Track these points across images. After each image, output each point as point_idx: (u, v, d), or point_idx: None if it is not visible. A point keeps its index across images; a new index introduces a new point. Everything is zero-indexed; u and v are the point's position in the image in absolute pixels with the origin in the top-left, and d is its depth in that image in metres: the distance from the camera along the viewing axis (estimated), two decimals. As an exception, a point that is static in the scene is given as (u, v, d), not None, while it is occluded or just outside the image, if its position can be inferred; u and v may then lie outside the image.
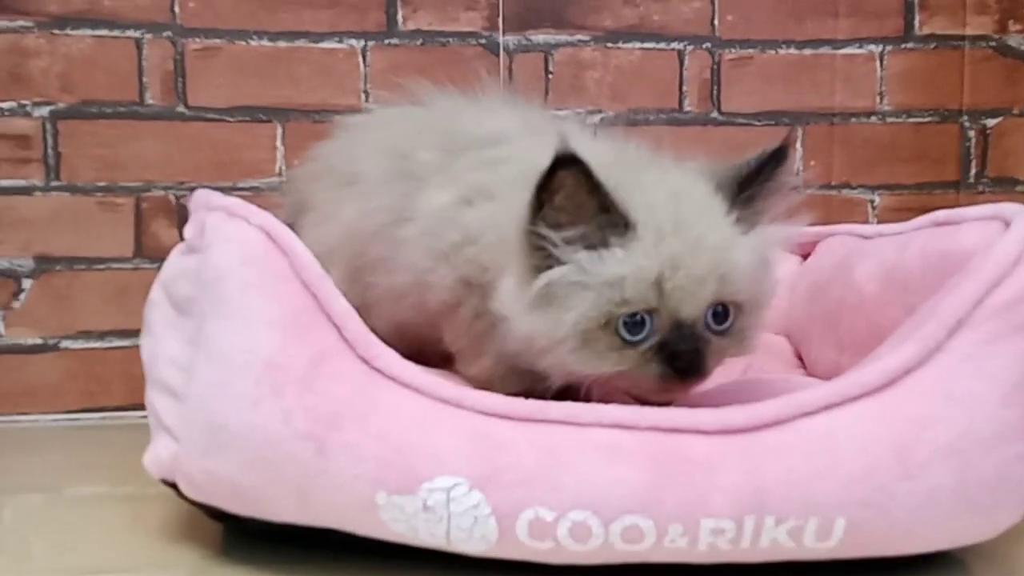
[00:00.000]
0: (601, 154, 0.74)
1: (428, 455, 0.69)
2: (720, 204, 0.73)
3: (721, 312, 0.73)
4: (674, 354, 0.71)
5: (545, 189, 0.69)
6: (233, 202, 0.78)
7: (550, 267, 0.71)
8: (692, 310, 0.71)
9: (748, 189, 0.73)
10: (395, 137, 0.93)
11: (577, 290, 0.70)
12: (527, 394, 0.73)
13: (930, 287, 0.80)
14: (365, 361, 0.74)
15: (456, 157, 0.85)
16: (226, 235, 0.76)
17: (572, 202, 0.69)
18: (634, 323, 0.71)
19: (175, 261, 0.83)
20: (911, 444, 0.67)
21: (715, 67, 1.43)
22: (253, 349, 0.73)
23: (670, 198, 0.72)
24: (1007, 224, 0.76)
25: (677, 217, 0.70)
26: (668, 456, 0.68)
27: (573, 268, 0.70)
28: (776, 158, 0.73)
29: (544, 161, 0.69)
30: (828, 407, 0.69)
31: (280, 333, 0.73)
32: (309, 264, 0.76)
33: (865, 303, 0.91)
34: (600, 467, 0.68)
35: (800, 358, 1.10)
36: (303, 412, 0.71)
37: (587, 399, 0.81)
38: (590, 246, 0.70)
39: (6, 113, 1.32)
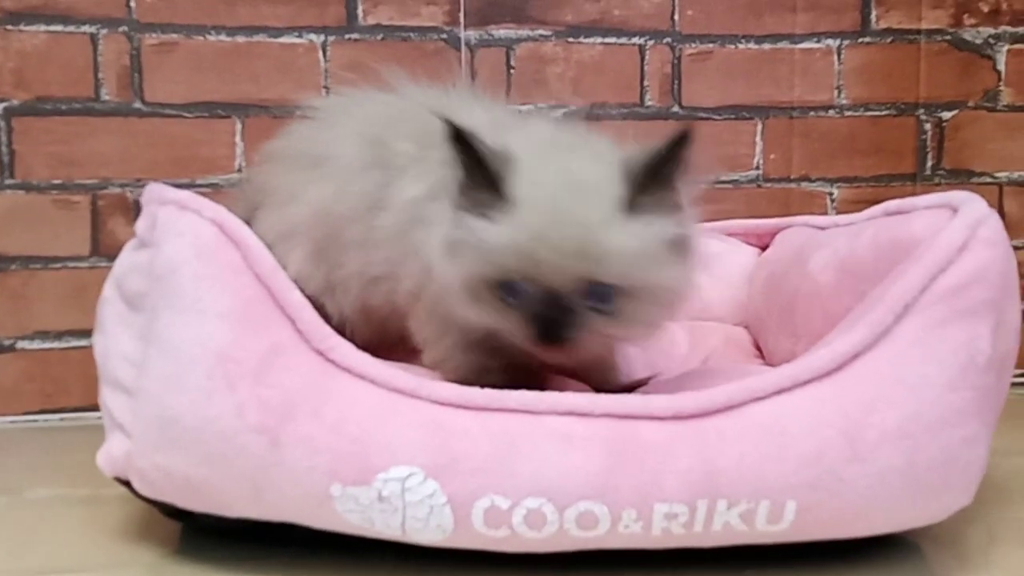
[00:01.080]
0: (517, 135, 0.80)
1: (383, 446, 0.69)
2: (614, 187, 0.74)
3: (601, 292, 0.74)
4: (540, 320, 0.74)
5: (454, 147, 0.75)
6: (185, 195, 0.77)
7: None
8: (560, 283, 0.74)
9: (650, 176, 0.74)
10: (370, 123, 0.94)
11: (467, 249, 0.75)
12: (486, 373, 0.78)
13: (881, 274, 0.81)
14: (320, 353, 0.74)
15: (431, 150, 0.86)
16: (178, 228, 0.75)
17: (463, 171, 0.76)
18: (510, 288, 0.75)
19: (127, 256, 0.82)
20: (860, 427, 0.68)
21: (675, 61, 1.44)
22: (205, 342, 0.72)
23: (556, 175, 0.76)
24: (954, 211, 0.77)
25: (556, 195, 0.74)
26: (622, 442, 0.68)
27: (464, 229, 0.75)
28: (677, 146, 0.73)
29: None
30: (779, 391, 0.70)
31: (233, 325, 0.73)
32: (262, 256, 0.76)
33: (820, 292, 0.92)
34: (555, 454, 0.68)
35: (759, 348, 1.10)
36: (256, 405, 0.71)
37: (542, 380, 0.84)
38: (477, 212, 0.75)
39: (-42, 110, 1.30)
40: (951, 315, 0.71)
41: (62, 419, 1.35)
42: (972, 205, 0.76)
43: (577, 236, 0.72)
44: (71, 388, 1.35)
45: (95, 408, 1.31)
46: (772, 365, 1.02)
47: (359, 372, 0.73)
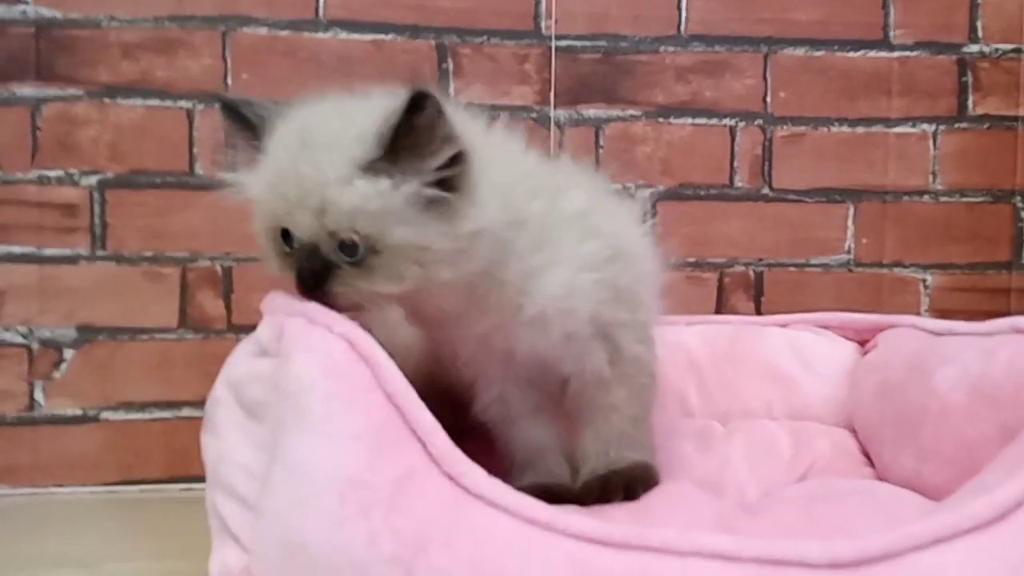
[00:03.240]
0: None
1: (521, 583, 0.67)
2: (355, 146, 0.77)
3: (349, 245, 0.78)
4: (299, 268, 0.79)
5: None
6: (314, 308, 0.76)
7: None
8: (310, 235, 0.78)
9: (392, 138, 0.76)
10: None
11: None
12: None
13: (1023, 405, 0.78)
14: (451, 478, 0.72)
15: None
16: (308, 344, 0.74)
17: (232, 130, 0.84)
18: (279, 237, 0.81)
19: (245, 362, 0.81)
20: (1026, 583, 0.65)
21: (767, 143, 1.42)
22: (337, 465, 0.70)
23: (298, 134, 0.79)
24: (1108, 344, 0.74)
25: (294, 153, 0.78)
26: (772, 590, 0.65)
27: (242, 186, 0.82)
28: (410, 111, 0.74)
29: None
30: (938, 540, 0.66)
31: (366, 448, 0.71)
32: (392, 375, 0.74)
33: (950, 414, 0.88)
34: (702, 601, 0.65)
35: (866, 455, 1.07)
36: (390, 534, 0.68)
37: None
38: (247, 168, 0.82)
39: (54, 182, 1.31)
40: (1117, 463, 0.67)
41: (142, 491, 1.35)
42: None
43: (308, 191, 0.77)
44: (152, 460, 1.35)
45: (175, 480, 1.33)
46: (886, 479, 0.98)
47: (491, 500, 0.71)
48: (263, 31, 1.33)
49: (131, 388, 1.34)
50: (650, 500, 0.85)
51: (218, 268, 1.35)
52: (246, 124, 0.83)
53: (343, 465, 0.70)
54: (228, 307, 1.34)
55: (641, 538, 0.68)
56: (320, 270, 0.78)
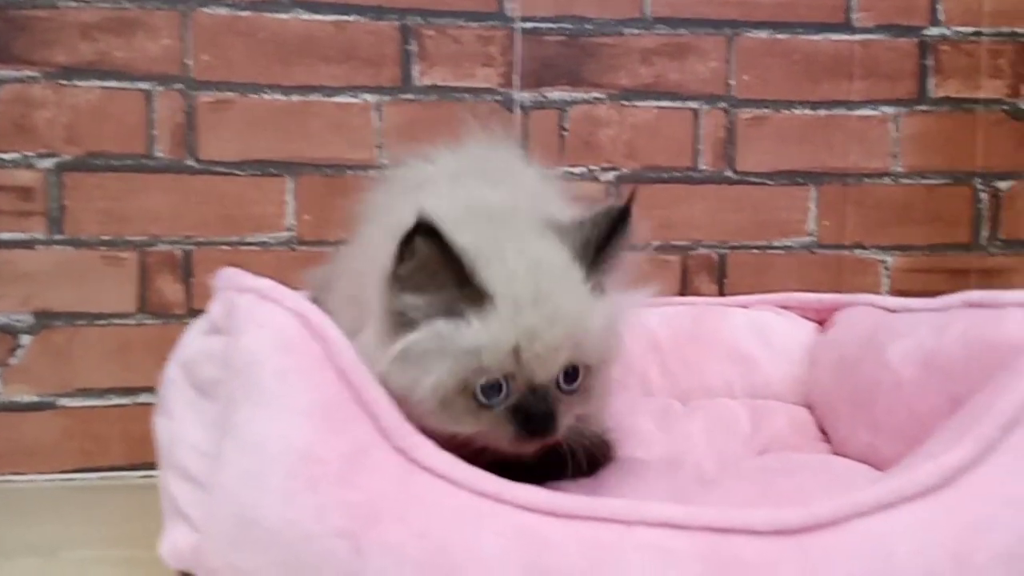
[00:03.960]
0: (462, 213, 0.76)
1: (471, 554, 0.66)
2: (576, 271, 0.74)
3: (572, 373, 0.74)
4: (528, 416, 0.73)
5: (405, 254, 0.71)
6: (265, 284, 0.75)
7: (408, 328, 0.73)
8: (546, 375, 0.73)
9: (600, 253, 0.75)
10: (389, 195, 0.94)
11: (435, 356, 0.72)
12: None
13: (973, 377, 0.79)
14: (402, 452, 0.71)
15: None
16: (259, 320, 0.73)
17: (429, 270, 0.71)
18: (490, 388, 0.72)
19: (196, 340, 0.80)
20: (969, 549, 0.65)
21: (730, 126, 1.43)
22: (287, 439, 0.70)
23: (529, 268, 0.73)
24: (1055, 315, 0.75)
25: (535, 288, 0.72)
26: (721, 558, 0.65)
27: (431, 335, 0.72)
28: (622, 219, 0.74)
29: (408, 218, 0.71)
30: (884, 507, 0.67)
31: (317, 423, 0.70)
32: (344, 350, 0.73)
33: (902, 387, 0.89)
34: (649, 570, 0.65)
35: (823, 431, 1.08)
36: (340, 508, 0.68)
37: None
38: (448, 314, 0.72)
39: (9, 164, 1.29)
40: (1061, 429, 0.68)
41: (101, 478, 1.33)
42: (1076, 311, 0.73)
43: (565, 328, 0.72)
44: (112, 447, 1.33)
45: (135, 467, 1.32)
46: (843, 454, 0.99)
47: (441, 472, 0.70)
48: (223, 11, 1.32)
49: (89, 374, 1.33)
50: (604, 474, 0.85)
51: (178, 252, 1.33)
52: (454, 261, 0.70)
53: (293, 440, 0.70)
54: (188, 291, 1.33)
55: (589, 508, 0.68)
56: (547, 409, 0.73)
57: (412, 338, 0.72)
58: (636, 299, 0.79)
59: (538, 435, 0.73)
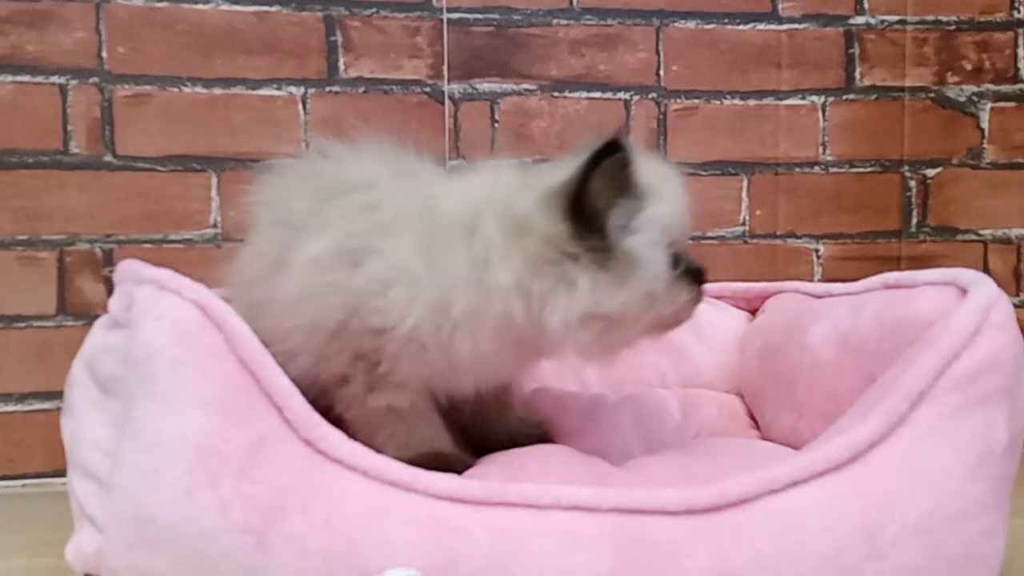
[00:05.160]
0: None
1: (378, 546, 0.65)
2: None
3: None
4: (699, 271, 0.85)
5: (592, 182, 0.78)
6: (164, 275, 0.73)
7: (616, 246, 0.80)
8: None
9: None
10: (277, 187, 0.95)
11: (648, 249, 0.80)
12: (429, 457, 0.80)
13: (887, 355, 0.79)
14: (308, 443, 0.70)
15: (326, 204, 0.87)
16: (157, 311, 0.71)
17: (621, 184, 0.79)
18: (678, 257, 0.83)
19: (99, 336, 0.77)
20: (879, 523, 0.65)
21: (661, 117, 1.43)
22: (185, 434, 0.68)
23: (646, 160, 0.84)
24: (962, 291, 0.76)
25: (662, 171, 0.86)
26: (632, 540, 0.65)
27: (643, 231, 0.81)
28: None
29: (422, 201, 0.84)
30: (794, 483, 0.67)
31: (216, 415, 0.68)
32: (247, 340, 0.71)
33: (821, 369, 0.89)
34: (560, 555, 0.64)
35: (753, 418, 1.08)
36: (241, 502, 0.66)
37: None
38: (640, 211, 0.81)
39: (-82, 162, 1.25)
40: (966, 403, 0.69)
41: (24, 485, 1.29)
42: (982, 286, 0.74)
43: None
44: (34, 453, 1.29)
45: (60, 474, 1.27)
46: (770, 439, 0.99)
47: (350, 463, 0.69)
48: (139, 2, 1.28)
49: (9, 379, 1.28)
50: (526, 461, 0.84)
51: (98, 251, 1.29)
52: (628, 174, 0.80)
53: (191, 433, 0.68)
54: (109, 291, 1.28)
55: (501, 494, 0.67)
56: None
57: (635, 242, 0.80)
58: None
59: (703, 284, 0.85)
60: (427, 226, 0.83)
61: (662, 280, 0.81)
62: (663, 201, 0.82)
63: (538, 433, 0.98)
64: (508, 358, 0.85)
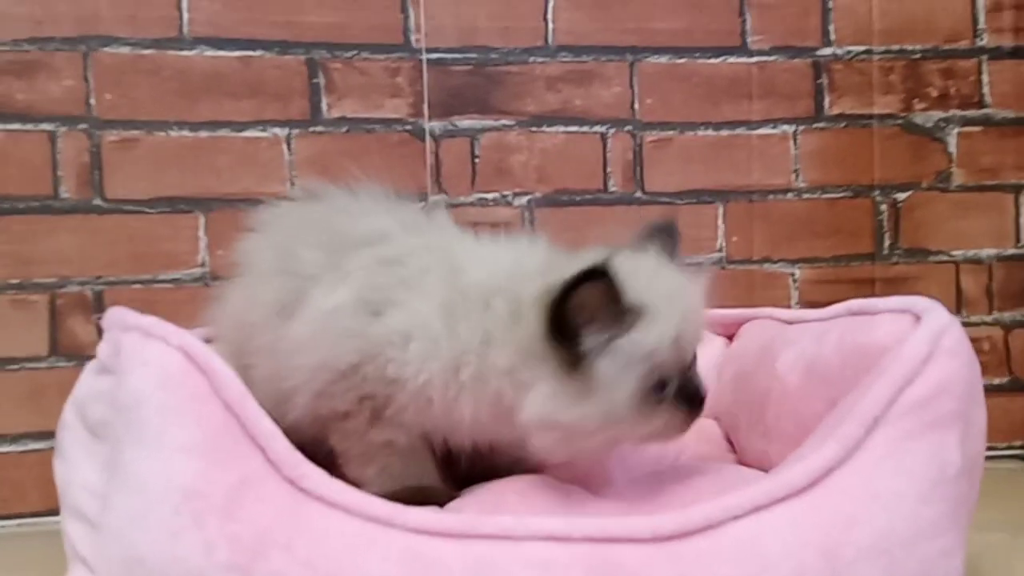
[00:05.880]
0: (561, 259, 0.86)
1: (358, 580, 0.67)
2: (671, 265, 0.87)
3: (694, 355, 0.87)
4: (692, 396, 0.84)
5: (571, 300, 0.77)
6: (149, 322, 0.76)
7: (585, 360, 0.79)
8: (690, 356, 0.85)
9: (670, 251, 0.89)
10: (279, 233, 0.97)
11: (621, 372, 0.79)
12: (412, 491, 0.83)
13: (849, 381, 0.82)
14: (291, 482, 0.72)
15: (340, 255, 0.89)
16: (143, 358, 0.73)
17: (602, 308, 0.78)
18: (662, 383, 0.81)
19: (88, 381, 0.80)
20: (838, 545, 0.68)
21: (637, 148, 1.47)
22: (171, 477, 0.70)
23: (654, 272, 0.84)
24: (917, 318, 0.79)
25: (668, 285, 0.84)
26: (603, 568, 0.67)
27: (614, 356, 0.79)
28: (672, 230, 0.91)
29: (447, 262, 0.86)
30: (756, 509, 0.69)
31: (200, 458, 0.71)
32: (230, 383, 0.74)
33: (789, 395, 0.92)
34: (534, 584, 0.67)
35: (731, 442, 1.10)
36: (226, 541, 0.68)
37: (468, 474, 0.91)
38: (623, 334, 0.79)
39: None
40: (919, 427, 0.72)
41: (19, 525, 1.31)
42: (934, 313, 0.77)
43: (698, 307, 0.86)
44: (28, 493, 1.31)
45: (54, 513, 1.28)
46: (745, 463, 1.02)
47: (331, 500, 0.71)
48: (126, 50, 1.32)
49: (3, 419, 1.31)
50: (505, 492, 0.86)
51: (88, 292, 1.32)
52: (619, 293, 0.79)
53: (176, 476, 0.70)
54: (100, 332, 1.31)
55: (477, 527, 0.69)
56: (700, 386, 0.85)
57: (603, 364, 0.79)
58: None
59: (700, 408, 0.85)
60: (450, 290, 0.85)
61: (625, 404, 0.79)
62: (654, 325, 0.80)
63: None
64: (505, 429, 0.85)
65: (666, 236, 0.90)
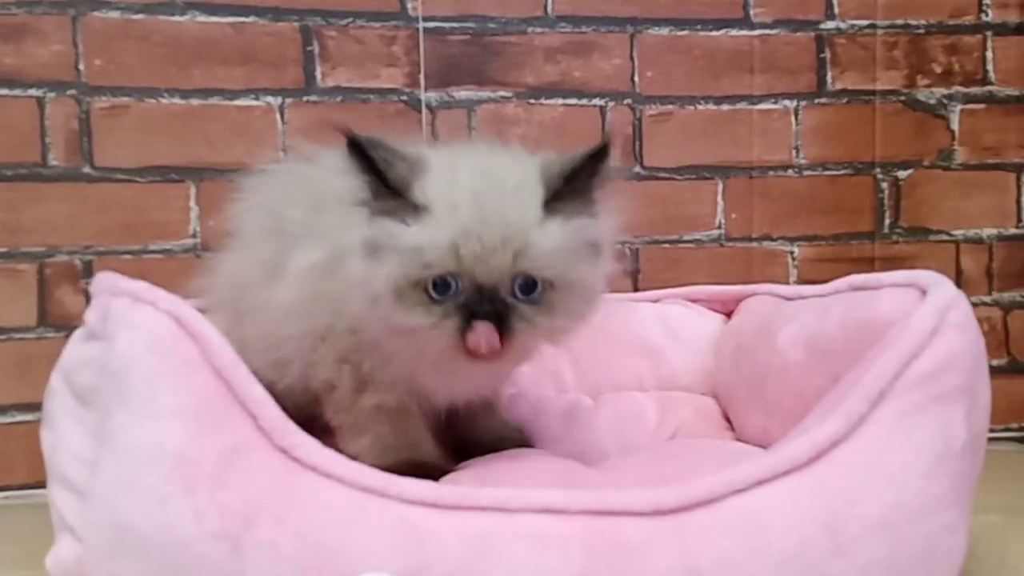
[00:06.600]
0: (443, 148, 0.86)
1: (350, 551, 0.66)
2: (536, 190, 0.80)
3: (528, 284, 0.79)
4: (473, 312, 0.77)
5: (355, 167, 0.78)
6: (139, 286, 0.74)
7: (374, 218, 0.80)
8: (488, 276, 0.78)
9: (571, 182, 0.80)
10: (269, 194, 0.98)
11: (388, 252, 0.79)
12: (409, 465, 0.81)
13: (852, 356, 0.81)
14: (283, 451, 0.71)
15: (319, 214, 0.89)
16: (132, 322, 0.72)
17: (368, 182, 0.79)
18: (441, 284, 0.78)
19: (76, 348, 0.78)
20: (842, 519, 0.67)
21: (636, 122, 1.45)
22: (161, 443, 0.69)
23: (475, 178, 0.80)
24: (923, 292, 0.77)
25: (476, 195, 0.78)
26: (601, 541, 0.66)
27: (383, 233, 0.79)
28: (599, 155, 0.81)
29: None
30: (759, 483, 0.68)
31: (190, 424, 0.69)
32: (221, 350, 0.72)
33: (789, 370, 0.91)
34: (530, 556, 0.65)
35: (728, 419, 1.09)
36: (216, 509, 0.67)
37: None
38: (393, 218, 0.79)
39: None
40: (926, 401, 0.70)
41: (7, 497, 1.29)
42: (941, 288, 0.76)
43: (502, 231, 0.77)
44: (17, 465, 1.29)
45: (42, 485, 1.26)
46: (743, 440, 1.01)
47: (324, 470, 0.70)
48: (116, 15, 1.29)
49: (-10, 391, 1.29)
50: (500, 466, 0.85)
51: (77, 262, 1.30)
52: (390, 167, 0.79)
53: (167, 442, 0.69)
54: (89, 302, 1.29)
55: (471, 498, 0.68)
56: (502, 311, 0.78)
57: (367, 233, 0.79)
58: (604, 228, 0.84)
59: (481, 332, 0.77)
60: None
61: (381, 282, 0.79)
62: (427, 225, 0.78)
63: (519, 436, 1.01)
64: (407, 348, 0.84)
65: (591, 161, 0.82)
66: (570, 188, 0.80)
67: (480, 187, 0.79)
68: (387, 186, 0.78)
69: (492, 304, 0.78)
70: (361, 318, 0.82)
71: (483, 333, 0.77)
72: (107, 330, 0.74)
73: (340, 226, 0.86)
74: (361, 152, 0.78)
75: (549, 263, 0.79)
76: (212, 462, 0.68)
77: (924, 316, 0.73)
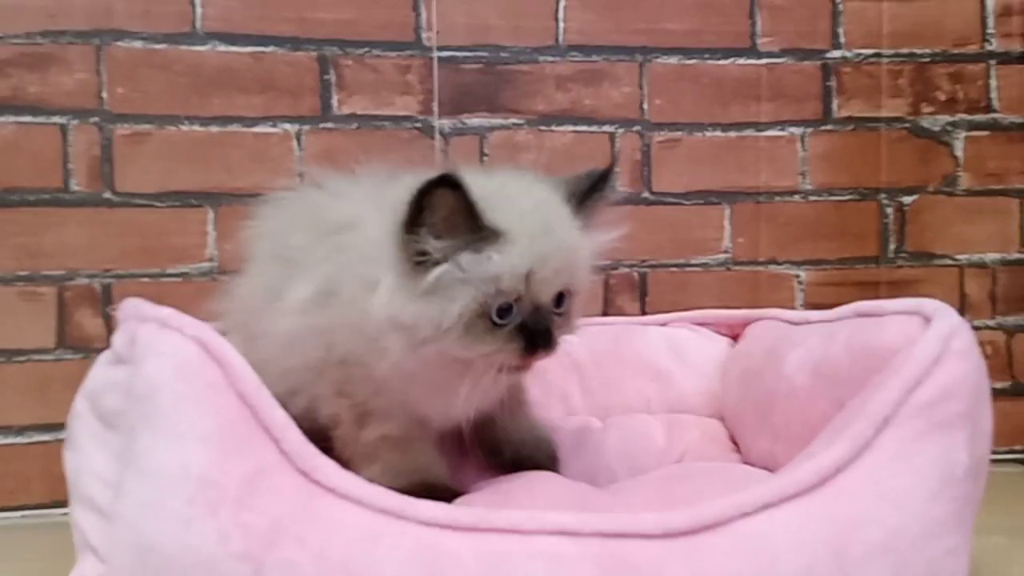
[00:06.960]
0: (476, 176, 0.86)
1: (371, 571, 0.68)
2: (568, 212, 0.88)
3: (562, 297, 0.86)
4: (533, 332, 0.83)
5: (424, 205, 0.80)
6: (166, 313, 0.76)
7: (431, 267, 0.82)
8: (547, 297, 0.84)
9: (586, 200, 0.89)
10: (277, 220, 1.00)
11: (458, 285, 0.81)
12: (420, 487, 0.85)
13: (857, 382, 0.82)
14: (304, 474, 0.73)
15: (319, 241, 0.92)
16: (159, 348, 0.74)
17: (450, 218, 0.80)
18: (504, 310, 0.82)
19: (102, 371, 0.81)
20: (847, 543, 0.69)
21: (645, 149, 1.47)
22: (185, 466, 0.71)
23: (535, 207, 0.85)
24: (927, 320, 0.79)
25: (543, 222, 0.84)
26: (613, 562, 0.68)
27: (454, 267, 0.81)
28: (606, 177, 0.90)
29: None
30: (766, 506, 0.70)
31: (214, 448, 0.71)
32: (245, 374, 0.75)
33: (796, 395, 0.93)
34: (544, 578, 0.67)
35: (735, 442, 1.11)
36: (239, 531, 0.69)
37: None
38: (468, 250, 0.81)
39: (-81, 201, 1.28)
40: (929, 428, 0.72)
41: (23, 516, 1.31)
42: (944, 316, 0.78)
43: (566, 255, 0.84)
44: (33, 484, 1.31)
45: (59, 505, 1.29)
46: (750, 463, 1.02)
47: (343, 492, 0.72)
48: (138, 44, 1.32)
49: (9, 411, 1.31)
50: (512, 488, 0.87)
51: (96, 285, 1.33)
52: (471, 208, 0.80)
53: (191, 465, 0.71)
54: (108, 325, 1.32)
55: (487, 520, 0.70)
56: (550, 326, 0.84)
57: (440, 270, 0.81)
58: (607, 240, 0.92)
59: (540, 349, 0.83)
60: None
61: (454, 316, 0.80)
62: (507, 253, 0.81)
63: (545, 451, 1.02)
64: (438, 376, 0.86)
65: (600, 181, 0.91)
66: (583, 206, 0.88)
67: (542, 214, 0.84)
68: (471, 221, 0.80)
69: (545, 321, 0.84)
70: (384, 352, 0.84)
71: (546, 352, 0.84)
72: (134, 355, 0.76)
73: (326, 259, 0.89)
74: (456, 190, 0.79)
75: (583, 277, 0.88)
76: (236, 485, 0.70)
77: (928, 344, 0.74)
